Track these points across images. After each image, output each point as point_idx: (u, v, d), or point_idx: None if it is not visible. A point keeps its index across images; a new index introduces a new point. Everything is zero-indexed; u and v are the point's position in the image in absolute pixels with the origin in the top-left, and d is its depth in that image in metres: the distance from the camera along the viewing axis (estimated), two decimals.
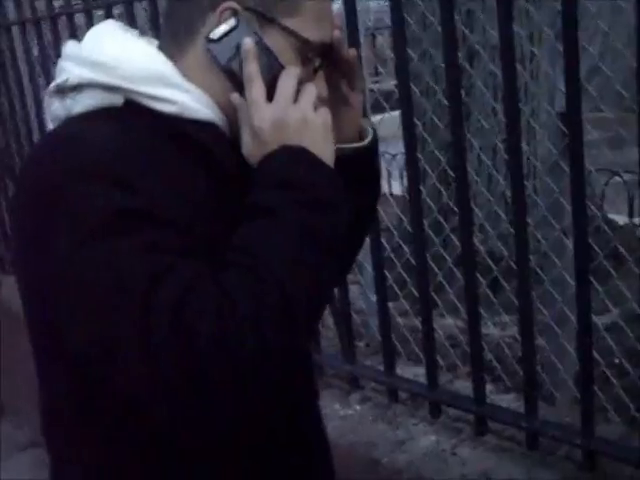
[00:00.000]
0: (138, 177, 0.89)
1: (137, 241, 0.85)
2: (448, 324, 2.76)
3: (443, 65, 1.79)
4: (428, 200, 2.79)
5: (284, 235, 0.89)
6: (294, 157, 0.95)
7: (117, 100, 0.96)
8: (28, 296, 0.97)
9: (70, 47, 1.01)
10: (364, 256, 2.38)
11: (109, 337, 0.84)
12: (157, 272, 0.84)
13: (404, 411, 2.10)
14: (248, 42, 0.96)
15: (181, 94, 0.97)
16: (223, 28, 0.97)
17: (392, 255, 2.82)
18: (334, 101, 1.07)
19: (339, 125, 1.07)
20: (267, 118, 0.95)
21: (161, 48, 1.02)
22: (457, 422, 1.99)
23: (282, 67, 0.98)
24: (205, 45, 0.98)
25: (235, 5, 0.97)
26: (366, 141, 1.13)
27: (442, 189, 2.96)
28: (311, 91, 0.99)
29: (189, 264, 0.86)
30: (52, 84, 1.01)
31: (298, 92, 0.98)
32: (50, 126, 1.02)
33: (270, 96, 0.97)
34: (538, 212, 2.52)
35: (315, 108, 0.98)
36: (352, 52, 1.07)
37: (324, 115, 0.99)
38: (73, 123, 0.97)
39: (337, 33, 1.04)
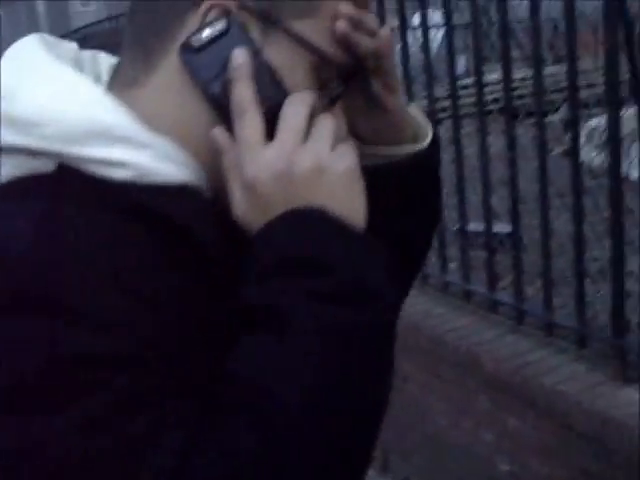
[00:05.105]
0: (92, 300, 0.60)
1: (109, 398, 0.59)
2: None
3: None
4: None
5: (304, 357, 0.62)
6: (306, 225, 0.67)
7: (45, 166, 0.67)
8: None
9: None
10: None
11: None
12: (144, 441, 0.59)
13: None
14: (240, 55, 0.69)
15: (137, 152, 0.67)
16: (208, 33, 0.70)
17: None
18: (363, 107, 0.79)
19: (375, 128, 0.80)
20: (266, 166, 0.67)
21: (119, 69, 0.75)
22: None
23: (287, 92, 0.71)
24: (181, 56, 0.70)
25: (227, 1, 0.70)
26: (424, 143, 0.83)
27: None
28: (327, 126, 0.70)
29: (178, 424, 0.61)
30: None
31: (309, 128, 0.70)
32: None
33: (271, 134, 0.69)
34: None
35: (333, 148, 0.69)
36: (385, 34, 0.75)
37: (347, 157, 0.70)
38: None
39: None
